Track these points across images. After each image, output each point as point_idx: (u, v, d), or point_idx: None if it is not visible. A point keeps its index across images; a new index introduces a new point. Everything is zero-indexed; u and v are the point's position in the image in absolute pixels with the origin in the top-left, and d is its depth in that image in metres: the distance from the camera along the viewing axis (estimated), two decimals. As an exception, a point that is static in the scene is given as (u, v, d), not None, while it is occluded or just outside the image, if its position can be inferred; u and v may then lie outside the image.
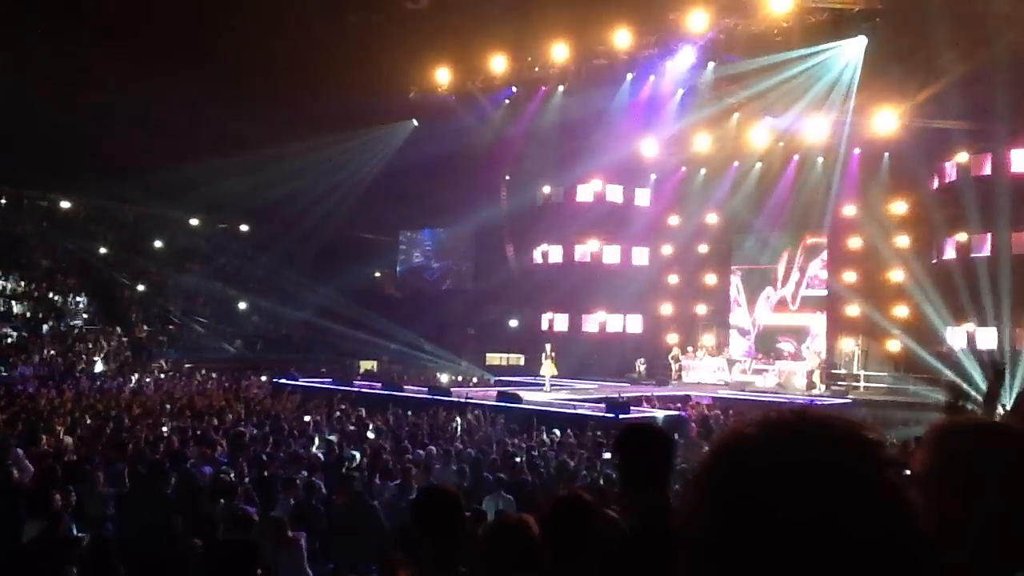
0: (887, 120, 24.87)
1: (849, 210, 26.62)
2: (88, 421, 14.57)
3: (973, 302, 22.26)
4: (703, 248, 30.21)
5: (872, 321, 25.59)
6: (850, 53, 24.32)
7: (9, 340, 28.11)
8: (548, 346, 23.94)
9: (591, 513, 3.16)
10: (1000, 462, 1.48)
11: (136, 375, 26.47)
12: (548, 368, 23.29)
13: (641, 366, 28.12)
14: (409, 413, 17.08)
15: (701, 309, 30.46)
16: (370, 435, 13.70)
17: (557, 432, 14.33)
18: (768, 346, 28.13)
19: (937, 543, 1.46)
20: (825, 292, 27.54)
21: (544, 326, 31.22)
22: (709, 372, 27.14)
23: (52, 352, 28.12)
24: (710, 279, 30.10)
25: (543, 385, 23.05)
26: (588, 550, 3.01)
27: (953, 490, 1.47)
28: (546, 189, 31.84)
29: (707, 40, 25.88)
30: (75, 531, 6.61)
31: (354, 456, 11.08)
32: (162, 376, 26.84)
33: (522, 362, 31.84)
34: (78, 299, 32.84)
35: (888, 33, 21.71)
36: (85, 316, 32.26)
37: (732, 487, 0.91)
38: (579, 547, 3.03)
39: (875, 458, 0.91)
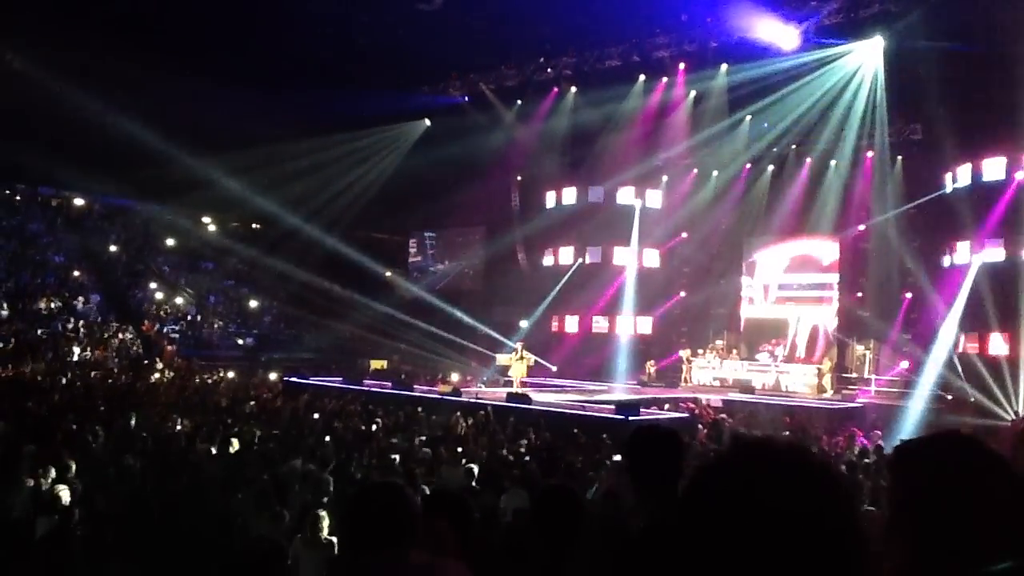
0: (902, 124, 24.75)
1: (862, 214, 26.51)
2: (100, 414, 14.62)
3: (985, 307, 22.13)
4: (714, 251, 30.11)
5: (883, 325, 25.45)
6: (866, 55, 24.25)
7: (22, 337, 28.24)
8: (520, 344, 22.54)
9: (579, 502, 3.17)
10: (962, 475, 1.51)
11: (147, 372, 26.58)
12: (517, 369, 21.43)
13: (652, 368, 28.04)
14: (420, 410, 17.11)
15: (712, 311, 30.37)
16: (378, 433, 13.71)
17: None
18: (752, 347, 28.07)
19: (888, 548, 1.51)
20: (813, 291, 27.43)
21: (554, 327, 31.19)
22: (719, 374, 27.02)
23: (64, 349, 28.27)
24: (721, 281, 30.00)
25: (512, 387, 21.39)
26: (576, 539, 3.01)
27: (913, 500, 1.53)
28: (557, 190, 31.79)
29: (720, 43, 25.90)
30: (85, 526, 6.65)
31: (362, 455, 11.09)
32: (173, 373, 26.94)
33: (532, 363, 31.75)
34: (90, 296, 32.98)
35: (904, 35, 21.64)
36: (97, 313, 32.38)
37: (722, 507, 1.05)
38: (568, 535, 3.03)
39: (829, 477, 1.08)
